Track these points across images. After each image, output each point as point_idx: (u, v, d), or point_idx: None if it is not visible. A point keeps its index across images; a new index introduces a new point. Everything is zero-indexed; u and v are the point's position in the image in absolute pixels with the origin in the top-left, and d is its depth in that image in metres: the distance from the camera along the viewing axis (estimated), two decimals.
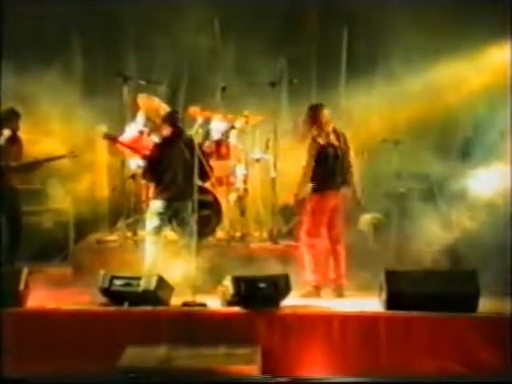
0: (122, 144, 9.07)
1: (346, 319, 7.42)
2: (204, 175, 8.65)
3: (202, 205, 8.66)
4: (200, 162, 8.34)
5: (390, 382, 7.09)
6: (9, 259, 8.60)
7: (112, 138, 8.91)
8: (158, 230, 8.48)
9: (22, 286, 7.48)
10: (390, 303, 7.45)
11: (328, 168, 8.13)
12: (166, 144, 8.60)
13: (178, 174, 8.47)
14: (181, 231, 8.45)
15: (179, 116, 9.01)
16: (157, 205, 8.47)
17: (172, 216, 8.47)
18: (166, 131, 8.60)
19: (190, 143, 8.52)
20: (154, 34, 10.13)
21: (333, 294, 8.21)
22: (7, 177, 8.67)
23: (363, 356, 7.22)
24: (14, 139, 8.74)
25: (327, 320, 7.41)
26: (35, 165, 8.93)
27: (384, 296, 7.51)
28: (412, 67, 9.87)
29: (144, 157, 8.77)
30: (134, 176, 9.45)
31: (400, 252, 8.75)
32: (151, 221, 8.50)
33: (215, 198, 9.15)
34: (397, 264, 8.38)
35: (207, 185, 9.17)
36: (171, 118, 8.69)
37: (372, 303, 7.67)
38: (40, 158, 8.95)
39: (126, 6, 10.05)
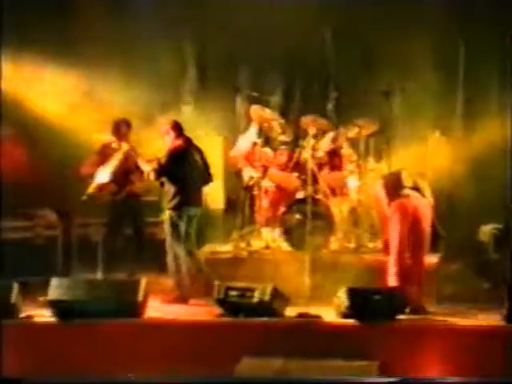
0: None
1: (464, 332, 7.27)
2: (207, 180, 8.66)
3: (315, 216, 8.65)
4: (206, 166, 8.45)
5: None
6: (131, 270, 8.82)
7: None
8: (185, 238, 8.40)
9: (140, 297, 7.62)
10: None
11: None
12: (177, 153, 8.45)
13: (196, 182, 8.45)
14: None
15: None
16: (172, 214, 8.41)
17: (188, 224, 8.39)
18: (176, 141, 8.50)
19: (200, 152, 8.53)
20: (265, 45, 10.15)
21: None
22: (133, 189, 8.89)
23: (481, 370, 7.01)
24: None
25: (445, 333, 7.29)
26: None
27: (505, 310, 7.30)
28: None
29: (156, 159, 8.52)
30: (247, 187, 9.52)
31: None
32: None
33: (328, 209, 9.10)
34: None
35: (320, 196, 9.13)
36: (176, 128, 8.56)
37: None
38: None
39: (239, 17, 10.05)
